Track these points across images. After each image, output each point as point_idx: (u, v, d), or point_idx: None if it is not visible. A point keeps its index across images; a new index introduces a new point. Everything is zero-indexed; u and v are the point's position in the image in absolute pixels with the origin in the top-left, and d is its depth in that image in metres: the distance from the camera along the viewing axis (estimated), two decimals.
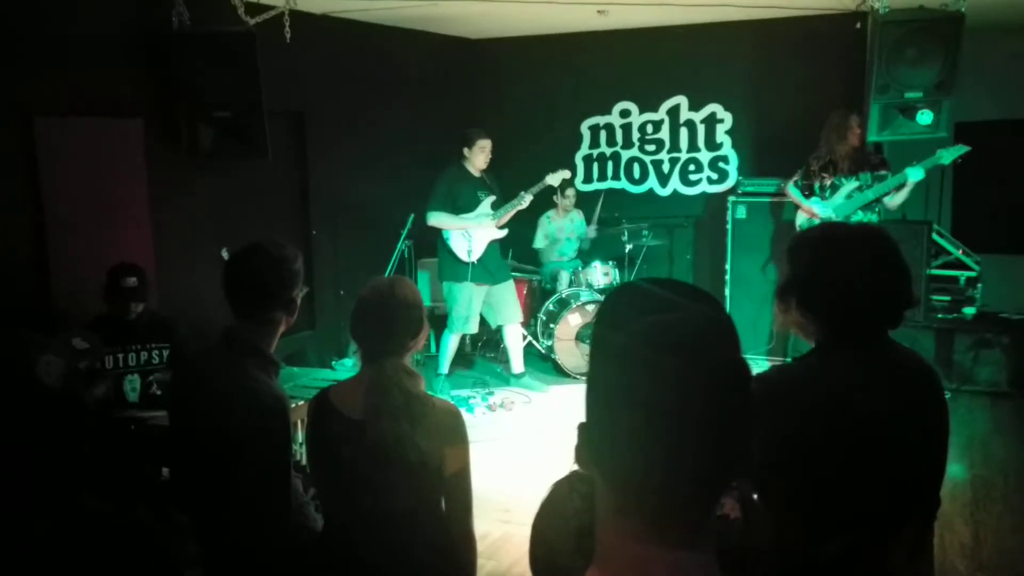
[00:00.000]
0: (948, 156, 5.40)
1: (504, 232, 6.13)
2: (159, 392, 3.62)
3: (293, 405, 2.47)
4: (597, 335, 1.04)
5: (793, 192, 5.91)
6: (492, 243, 6.08)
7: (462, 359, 6.81)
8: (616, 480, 0.97)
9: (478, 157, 5.96)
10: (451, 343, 6.19)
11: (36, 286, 4.32)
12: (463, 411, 2.45)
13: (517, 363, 6.40)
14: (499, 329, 6.39)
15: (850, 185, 5.68)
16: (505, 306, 6.22)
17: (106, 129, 4.67)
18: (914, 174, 5.43)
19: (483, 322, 6.41)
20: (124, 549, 1.39)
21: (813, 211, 5.76)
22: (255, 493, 2.16)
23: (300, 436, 3.19)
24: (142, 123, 4.83)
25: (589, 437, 1.01)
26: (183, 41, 4.84)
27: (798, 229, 5.80)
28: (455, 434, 2.16)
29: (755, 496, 1.26)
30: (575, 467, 1.34)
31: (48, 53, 4.32)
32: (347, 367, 5.00)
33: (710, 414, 0.92)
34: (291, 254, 2.31)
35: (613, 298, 1.06)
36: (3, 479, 1.36)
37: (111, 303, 3.98)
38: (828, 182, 5.74)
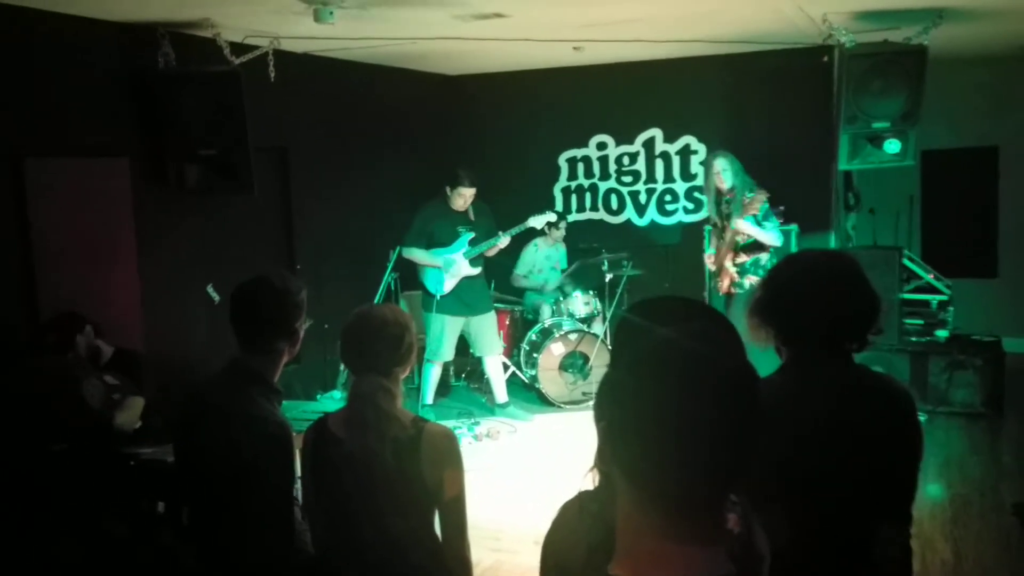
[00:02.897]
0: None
1: (477, 270, 6.18)
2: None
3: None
4: (616, 344, 1.13)
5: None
6: (468, 277, 6.16)
7: (443, 389, 6.86)
8: (636, 476, 1.04)
9: (457, 201, 6.05)
10: (431, 373, 6.26)
11: (25, 323, 4.32)
12: None
13: (500, 393, 6.46)
14: (481, 360, 6.46)
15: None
16: (483, 338, 6.29)
17: (94, 168, 4.72)
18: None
19: (468, 352, 6.48)
20: (149, 573, 1.45)
21: (708, 258, 6.00)
22: (260, 518, 2.22)
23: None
24: (129, 162, 4.89)
25: (610, 437, 1.08)
26: (169, 81, 4.91)
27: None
28: (451, 457, 2.22)
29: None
30: (583, 487, 1.43)
31: (37, 95, 4.38)
32: (335, 399, 5.03)
33: (719, 414, 1.00)
34: (295, 286, 2.39)
35: (630, 312, 1.15)
36: (34, 495, 1.42)
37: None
38: (717, 223, 5.90)
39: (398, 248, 6.24)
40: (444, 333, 6.12)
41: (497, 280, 7.11)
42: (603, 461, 1.13)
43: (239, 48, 5.21)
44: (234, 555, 2.28)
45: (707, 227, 6.11)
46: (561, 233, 7.28)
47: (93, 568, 1.40)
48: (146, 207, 4.98)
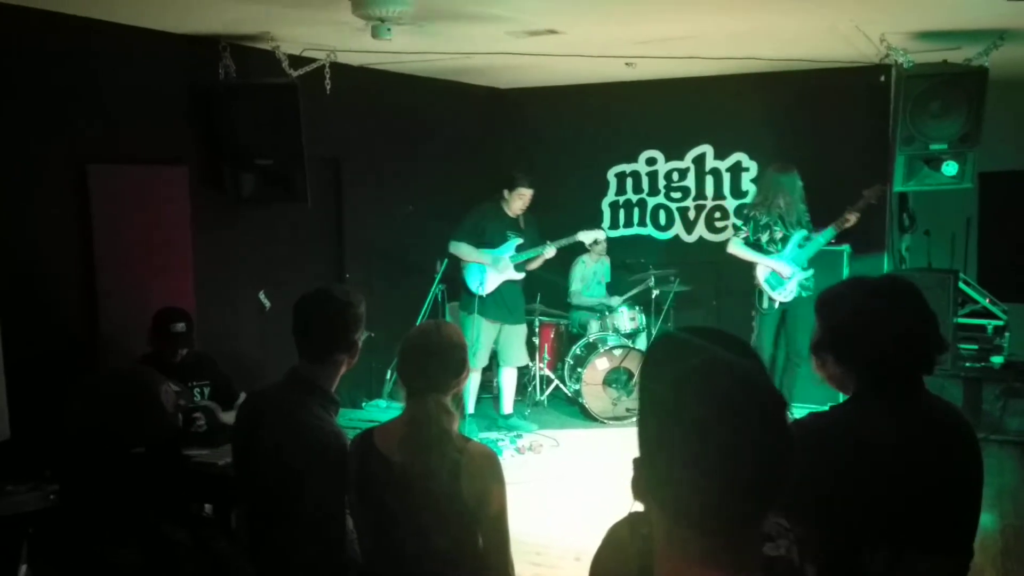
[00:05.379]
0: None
1: (520, 275, 6.23)
2: (204, 429, 3.72)
3: None
4: (649, 374, 1.13)
5: (747, 250, 5.96)
6: (508, 282, 6.19)
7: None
8: (674, 507, 1.05)
9: (515, 202, 6.14)
10: (472, 381, 6.27)
11: (85, 323, 4.46)
12: None
13: (508, 404, 6.50)
14: (498, 368, 6.46)
15: (799, 235, 5.90)
16: (512, 347, 6.34)
17: (155, 176, 4.85)
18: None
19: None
20: None
21: (778, 267, 5.89)
22: (312, 526, 2.26)
23: None
24: (188, 170, 5.02)
25: (646, 469, 1.09)
26: (229, 92, 5.03)
27: (764, 286, 5.92)
28: (492, 476, 2.23)
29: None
30: (633, 508, 1.43)
31: (101, 104, 4.52)
32: (380, 407, 5.09)
33: (762, 436, 1.01)
34: (355, 299, 2.44)
35: (659, 343, 1.15)
36: (108, 500, 1.47)
37: (157, 346, 4.11)
38: (779, 235, 5.89)
39: (445, 260, 6.30)
40: (481, 338, 6.13)
41: (544, 295, 7.12)
42: (639, 496, 1.13)
43: (297, 60, 5.32)
44: (285, 562, 2.32)
45: (751, 237, 5.97)
46: (603, 247, 7.27)
47: (152, 573, 1.45)
48: (203, 214, 5.11)
